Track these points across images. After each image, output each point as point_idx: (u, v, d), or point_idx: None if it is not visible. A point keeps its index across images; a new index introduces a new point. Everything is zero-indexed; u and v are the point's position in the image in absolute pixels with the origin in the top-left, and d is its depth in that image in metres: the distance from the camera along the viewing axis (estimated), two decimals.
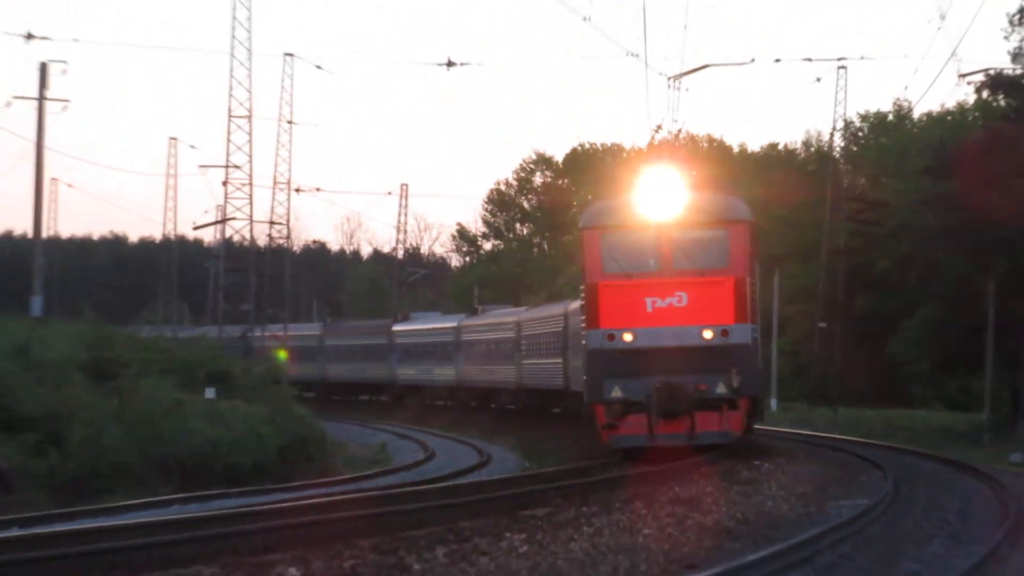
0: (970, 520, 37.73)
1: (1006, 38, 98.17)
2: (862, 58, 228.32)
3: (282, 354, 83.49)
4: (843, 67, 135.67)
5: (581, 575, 24.97)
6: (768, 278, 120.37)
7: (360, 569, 23.99)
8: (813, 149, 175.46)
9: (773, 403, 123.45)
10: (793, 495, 44.43)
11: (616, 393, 53.38)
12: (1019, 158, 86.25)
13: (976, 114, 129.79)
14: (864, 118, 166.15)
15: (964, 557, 28.10)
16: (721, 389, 53.67)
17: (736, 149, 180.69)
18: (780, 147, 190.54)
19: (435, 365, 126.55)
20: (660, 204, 56.35)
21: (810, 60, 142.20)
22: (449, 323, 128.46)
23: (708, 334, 54.11)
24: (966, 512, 40.16)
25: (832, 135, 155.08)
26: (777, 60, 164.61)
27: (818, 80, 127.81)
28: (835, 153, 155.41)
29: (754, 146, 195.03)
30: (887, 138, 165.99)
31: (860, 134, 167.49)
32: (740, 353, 54.78)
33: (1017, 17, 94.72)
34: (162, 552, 24.81)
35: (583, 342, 60.58)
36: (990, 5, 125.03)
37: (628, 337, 54.41)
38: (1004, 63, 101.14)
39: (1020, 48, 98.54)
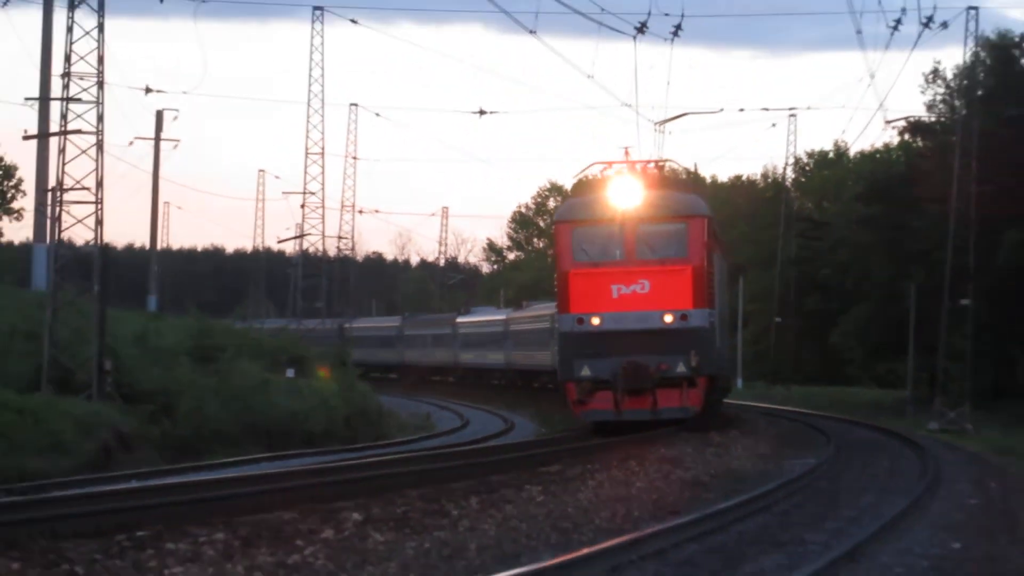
0: (897, 475, 39.16)
1: (922, 92, 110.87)
2: (808, 108, 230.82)
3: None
4: (793, 115, 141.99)
5: (586, 519, 24.78)
6: (735, 281, 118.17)
7: (410, 514, 23.88)
8: (770, 180, 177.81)
9: (739, 382, 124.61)
10: (755, 455, 46.33)
11: (585, 372, 51.31)
12: (932, 188, 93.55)
13: (899, 152, 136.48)
14: (810, 155, 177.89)
15: (892, 505, 28.18)
16: (681, 368, 51.14)
17: (708, 179, 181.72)
18: (743, 178, 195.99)
19: (489, 351, 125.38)
20: (625, 201, 53.87)
21: (767, 109, 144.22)
22: (499, 316, 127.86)
23: (668, 318, 51.76)
24: (894, 469, 41.79)
25: (785, 168, 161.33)
26: (741, 109, 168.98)
27: (773, 125, 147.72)
28: (787, 183, 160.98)
29: (723, 177, 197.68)
30: (829, 171, 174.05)
31: (807, 168, 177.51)
32: (698, 335, 52.35)
33: (931, 76, 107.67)
34: (252, 500, 24.86)
35: (557, 326, 59.93)
36: (910, 66, 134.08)
37: (596, 321, 52.10)
38: (921, 112, 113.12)
39: (933, 100, 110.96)
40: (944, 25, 73.76)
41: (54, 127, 56.36)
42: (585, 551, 19.00)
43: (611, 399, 50.73)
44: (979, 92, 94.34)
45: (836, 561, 19.37)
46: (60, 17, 60.56)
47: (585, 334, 51.24)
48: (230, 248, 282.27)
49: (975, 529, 25.66)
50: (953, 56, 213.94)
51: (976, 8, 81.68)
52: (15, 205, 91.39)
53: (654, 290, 52.49)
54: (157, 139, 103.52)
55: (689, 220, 53.01)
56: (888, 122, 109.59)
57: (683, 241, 54.00)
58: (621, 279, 51.95)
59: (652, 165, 59.80)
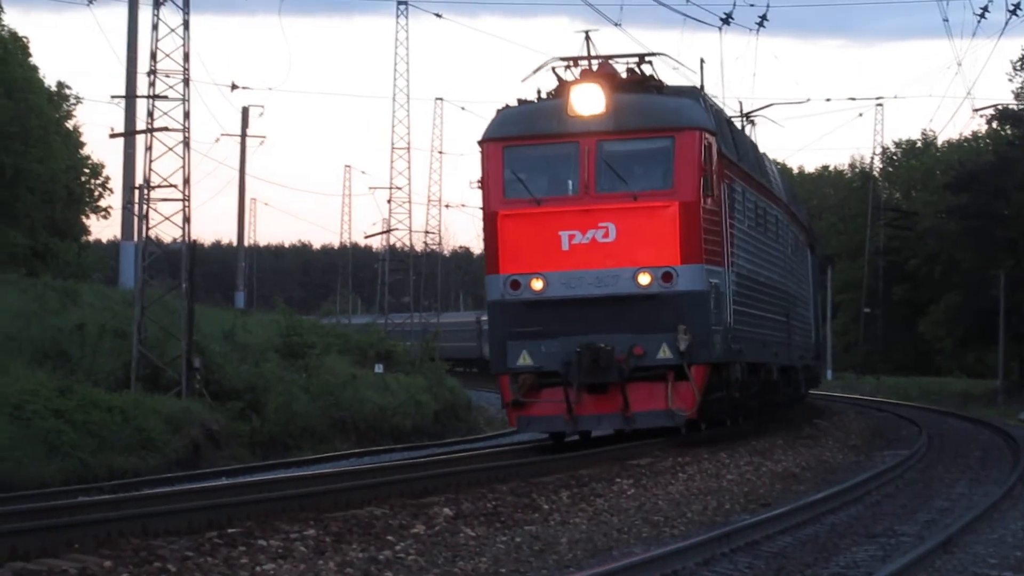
0: (988, 466, 38.13)
1: (1010, 80, 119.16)
2: (896, 97, 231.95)
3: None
4: (880, 104, 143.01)
5: (678, 512, 24.70)
6: (824, 271, 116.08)
7: (500, 508, 24.00)
8: (857, 169, 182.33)
9: (829, 373, 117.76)
10: (846, 447, 45.15)
11: (524, 360, 35.89)
12: (1021, 176, 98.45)
13: (987, 141, 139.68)
14: (898, 145, 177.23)
15: (985, 495, 27.92)
16: (664, 353, 35.67)
17: (795, 170, 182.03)
18: (831, 168, 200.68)
19: None
20: (584, 107, 37.50)
21: (854, 99, 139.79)
22: None
23: (645, 278, 35.71)
24: (985, 460, 40.67)
25: (872, 158, 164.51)
26: (828, 99, 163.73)
27: (860, 115, 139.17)
28: (875, 173, 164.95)
29: (809, 168, 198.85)
30: (916, 160, 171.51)
31: (895, 157, 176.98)
32: (691, 303, 36.03)
33: (1019, 63, 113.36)
34: (342, 496, 24.93)
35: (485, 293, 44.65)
36: (998, 54, 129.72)
37: (538, 285, 36.13)
38: (1010, 100, 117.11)
39: (1022, 88, 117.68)
40: None
41: (140, 125, 56.92)
42: (677, 545, 18.94)
43: (562, 399, 35.95)
44: None
45: (930, 552, 18.88)
46: (145, 15, 61.37)
47: (522, 305, 35.80)
48: (317, 244, 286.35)
49: None
50: None
51: None
52: (102, 203, 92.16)
53: (623, 238, 36.21)
54: (243, 135, 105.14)
55: (678, 134, 35.94)
56: (976, 110, 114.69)
57: (668, 165, 37.49)
58: (575, 223, 36.11)
59: (633, 62, 41.23)
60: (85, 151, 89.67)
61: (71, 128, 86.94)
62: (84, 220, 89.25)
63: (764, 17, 55.52)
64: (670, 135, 35.57)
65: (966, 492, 29.75)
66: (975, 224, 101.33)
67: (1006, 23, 71.66)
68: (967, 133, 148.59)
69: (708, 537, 19.77)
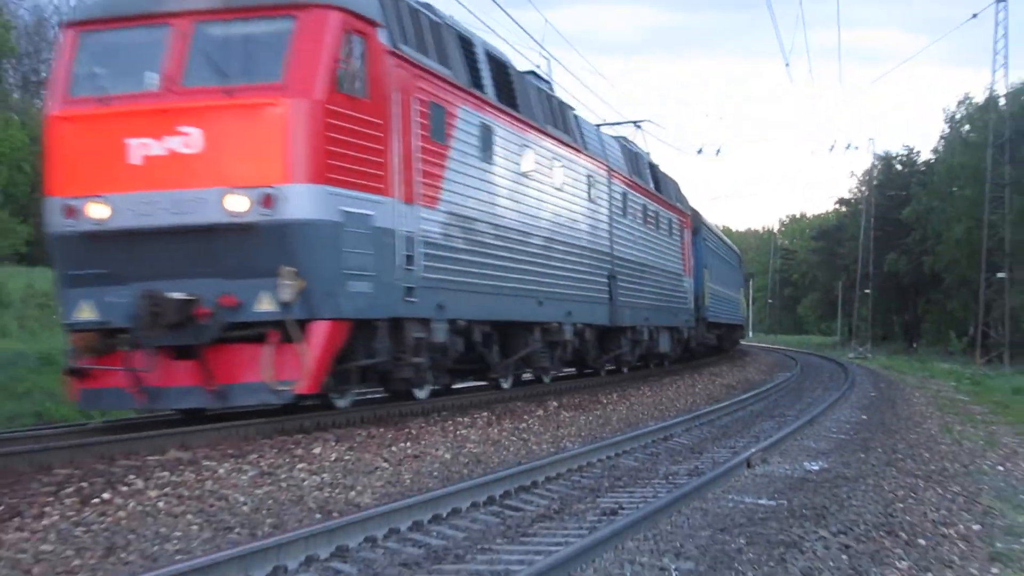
0: (832, 381, 41.38)
1: (849, 179, 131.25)
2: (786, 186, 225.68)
3: None
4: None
5: (672, 405, 28.04)
6: (747, 281, 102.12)
7: (581, 403, 25.61)
8: (763, 230, 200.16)
9: (750, 333, 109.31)
10: (759, 371, 50.20)
11: (85, 314, 18.98)
12: (849, 233, 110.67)
13: (834, 214, 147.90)
14: (788, 217, 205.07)
15: (830, 396, 30.71)
16: (266, 305, 18.23)
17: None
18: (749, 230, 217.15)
19: None
20: None
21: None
22: None
23: (237, 202, 18.15)
24: (831, 377, 44.51)
25: (773, 228, 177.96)
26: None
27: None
28: (775, 231, 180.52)
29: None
30: (796, 225, 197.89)
31: (784, 223, 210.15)
32: (307, 237, 18.54)
33: (850, 174, 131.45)
34: (499, 395, 25.30)
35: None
36: (839, 172, 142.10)
37: (99, 211, 18.50)
38: (850, 188, 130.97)
39: (854, 188, 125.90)
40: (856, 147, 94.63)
41: None
42: (670, 421, 22.09)
43: (132, 369, 18.71)
44: (875, 182, 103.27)
45: (802, 425, 21.38)
46: None
47: (81, 238, 18.78)
48: None
49: (873, 408, 27.75)
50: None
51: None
52: None
53: (213, 148, 18.86)
54: None
55: (302, 13, 19.15)
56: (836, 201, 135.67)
57: (281, 51, 19.58)
58: (148, 128, 18.61)
59: None
60: None
61: None
62: None
63: None
64: (291, 14, 19.44)
65: (821, 394, 33.04)
66: (825, 257, 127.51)
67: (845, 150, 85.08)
68: (827, 210, 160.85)
69: (685, 418, 22.77)
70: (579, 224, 30.12)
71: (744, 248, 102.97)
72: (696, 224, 49.53)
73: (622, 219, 33.98)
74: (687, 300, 44.84)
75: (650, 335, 38.31)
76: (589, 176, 30.91)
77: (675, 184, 46.03)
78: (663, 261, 41.07)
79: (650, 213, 39.23)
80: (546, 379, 29.46)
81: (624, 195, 34.51)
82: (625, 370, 36.43)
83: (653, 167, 42.31)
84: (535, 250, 26.51)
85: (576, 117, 31.65)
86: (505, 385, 26.62)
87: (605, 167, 33.15)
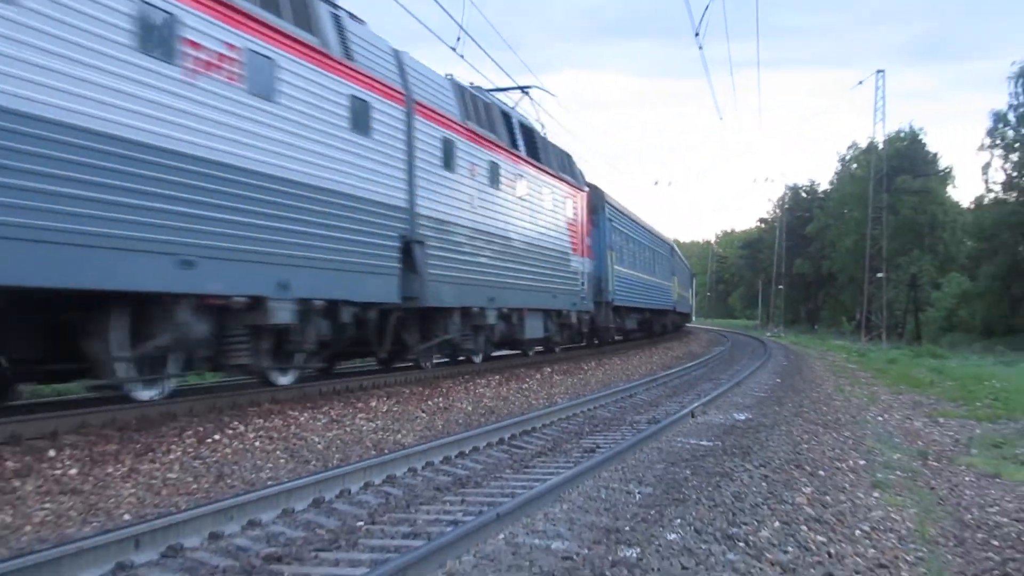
0: (754, 352, 40.19)
1: (768, 202, 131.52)
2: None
3: None
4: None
5: (636, 371, 27.10)
6: (692, 280, 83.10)
7: (568, 369, 25.05)
8: (703, 241, 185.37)
9: (694, 318, 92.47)
10: (701, 346, 47.76)
11: None
12: (767, 244, 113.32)
13: (756, 229, 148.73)
14: (722, 231, 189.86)
15: (753, 365, 30.02)
16: None
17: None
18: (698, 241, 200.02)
19: None
20: None
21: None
22: None
23: None
24: (753, 351, 42.66)
25: (711, 239, 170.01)
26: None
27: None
28: (712, 242, 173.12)
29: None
30: (728, 236, 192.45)
31: (718, 235, 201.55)
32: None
33: (768, 199, 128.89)
34: (505, 362, 24.75)
35: None
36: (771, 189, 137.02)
37: None
38: (770, 208, 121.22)
39: (771, 211, 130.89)
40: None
41: None
42: (634, 383, 21.52)
43: None
44: (786, 206, 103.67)
45: (732, 387, 21.09)
46: None
47: None
48: None
49: (785, 374, 27.21)
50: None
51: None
52: None
53: None
54: None
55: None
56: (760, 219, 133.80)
57: None
58: None
59: None
60: None
61: None
62: None
63: None
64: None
65: (746, 363, 32.12)
66: (749, 261, 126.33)
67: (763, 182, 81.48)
68: (751, 226, 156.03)
69: (645, 380, 22.36)
70: (314, 160, 15.35)
71: (688, 255, 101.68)
72: (597, 202, 34.46)
73: (441, 171, 20.25)
74: (578, 282, 30.81)
75: (506, 319, 24.73)
76: (354, 99, 16.49)
77: (567, 157, 31.38)
78: (534, 234, 26.78)
79: (506, 175, 24.34)
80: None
81: (447, 142, 20.92)
82: (478, 359, 24.02)
83: (530, 130, 27.64)
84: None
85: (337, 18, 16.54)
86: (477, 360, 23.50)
87: (400, 96, 18.48)
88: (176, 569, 6.29)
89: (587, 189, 32.58)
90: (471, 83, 24.32)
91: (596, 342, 36.36)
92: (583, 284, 31.01)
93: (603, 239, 33.67)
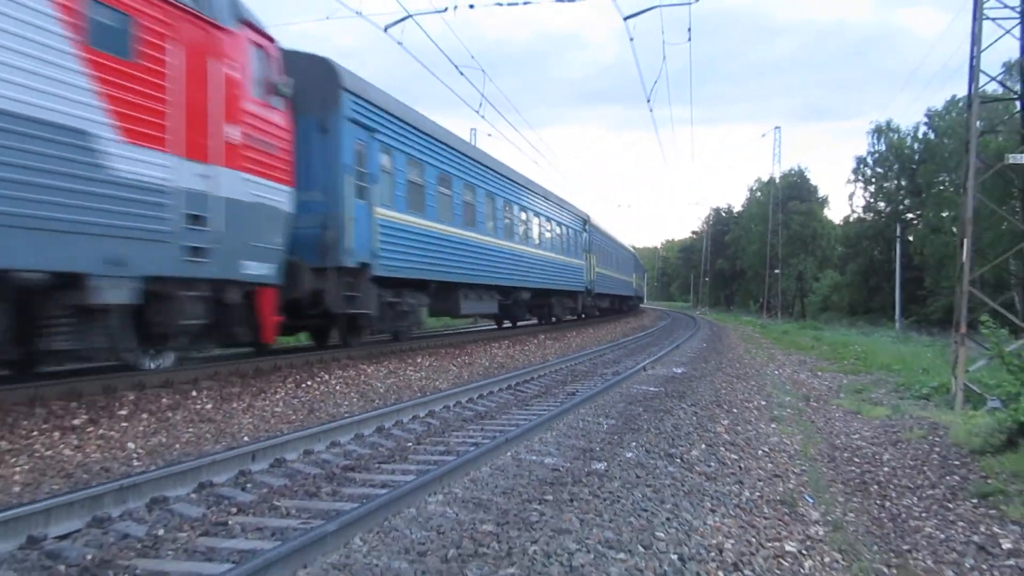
0: (688, 325, 38.45)
1: (703, 212, 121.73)
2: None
3: None
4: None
5: (603, 338, 25.51)
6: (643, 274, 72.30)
7: (557, 336, 23.33)
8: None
9: (645, 300, 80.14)
10: (650, 320, 45.22)
11: None
12: (699, 252, 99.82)
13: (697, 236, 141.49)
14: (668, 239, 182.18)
15: (687, 334, 28.39)
16: None
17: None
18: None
19: None
20: None
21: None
22: None
23: None
24: (688, 324, 40.74)
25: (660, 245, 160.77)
26: None
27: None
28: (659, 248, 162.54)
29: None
30: (676, 242, 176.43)
31: (668, 242, 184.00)
32: None
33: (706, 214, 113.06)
34: (468, 338, 21.53)
35: None
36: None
37: None
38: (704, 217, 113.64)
39: (706, 219, 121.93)
40: (699, 203, 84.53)
41: None
42: (599, 347, 20.63)
43: None
44: (711, 221, 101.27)
45: (673, 348, 20.38)
46: None
47: None
48: None
49: (709, 340, 26.24)
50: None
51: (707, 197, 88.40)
52: None
53: None
54: None
55: None
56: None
57: None
58: None
59: None
60: None
61: None
62: None
63: None
64: None
65: (682, 333, 30.57)
66: (684, 261, 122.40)
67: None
68: (687, 236, 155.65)
69: (610, 344, 21.77)
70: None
71: (641, 256, 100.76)
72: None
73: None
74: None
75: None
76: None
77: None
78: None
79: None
80: None
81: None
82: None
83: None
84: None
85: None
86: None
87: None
88: (281, 475, 6.28)
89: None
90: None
91: (583, 317, 35.44)
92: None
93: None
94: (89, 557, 4.24)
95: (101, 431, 7.13)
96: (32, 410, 7.61)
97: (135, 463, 6.36)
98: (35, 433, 6.87)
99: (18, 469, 5.90)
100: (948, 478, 8.58)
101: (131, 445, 6.86)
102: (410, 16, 15.16)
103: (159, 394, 8.91)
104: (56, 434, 6.91)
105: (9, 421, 7.16)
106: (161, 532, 4.74)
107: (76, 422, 7.36)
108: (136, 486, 5.32)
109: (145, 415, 7.91)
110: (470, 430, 8.28)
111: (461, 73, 17.60)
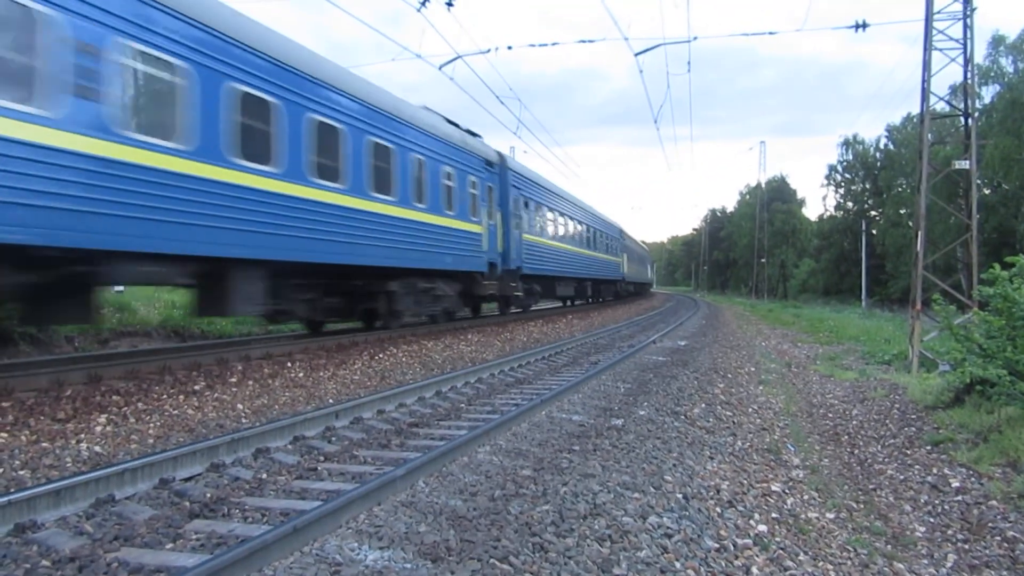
0: (689, 305, 37.03)
1: (700, 213, 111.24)
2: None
3: None
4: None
5: (602, 322, 22.78)
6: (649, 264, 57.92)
7: (554, 323, 20.79)
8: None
9: (655, 286, 76.89)
10: (659, 302, 42.32)
11: None
12: (698, 248, 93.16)
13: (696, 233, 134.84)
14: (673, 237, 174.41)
15: (689, 314, 27.53)
16: None
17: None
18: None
19: None
20: None
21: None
22: None
23: None
24: (690, 305, 38.60)
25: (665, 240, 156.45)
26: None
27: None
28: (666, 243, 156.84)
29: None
30: (680, 238, 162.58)
31: (673, 238, 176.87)
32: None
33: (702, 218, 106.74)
34: (456, 323, 18.60)
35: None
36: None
37: None
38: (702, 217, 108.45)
39: (703, 219, 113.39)
40: (697, 205, 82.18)
41: None
42: (622, 323, 20.13)
43: None
44: (708, 220, 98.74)
45: (676, 326, 19.43)
46: None
47: None
48: None
49: (708, 318, 25.63)
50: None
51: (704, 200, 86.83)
52: None
53: None
54: None
55: None
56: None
57: None
58: None
59: None
60: None
61: None
62: None
63: None
64: None
65: (686, 314, 28.20)
66: (687, 253, 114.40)
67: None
68: (688, 232, 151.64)
69: (626, 322, 20.87)
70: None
71: (649, 249, 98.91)
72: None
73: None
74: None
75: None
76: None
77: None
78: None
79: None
80: None
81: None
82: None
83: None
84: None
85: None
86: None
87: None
88: (359, 430, 6.26)
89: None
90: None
91: (612, 298, 36.90)
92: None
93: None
94: (208, 495, 4.40)
95: (216, 395, 7.25)
96: (162, 377, 7.90)
97: (243, 420, 6.43)
98: (164, 396, 7.01)
99: (152, 425, 6.05)
100: (906, 429, 8.51)
101: (240, 406, 6.92)
102: (460, 57, 15.66)
103: (262, 365, 9.01)
104: (181, 397, 7.04)
105: (144, 387, 7.36)
106: (264, 476, 4.84)
107: (196, 387, 7.50)
108: (244, 439, 5.41)
109: (251, 382, 8.00)
110: (511, 393, 8.17)
111: (502, 102, 17.79)
